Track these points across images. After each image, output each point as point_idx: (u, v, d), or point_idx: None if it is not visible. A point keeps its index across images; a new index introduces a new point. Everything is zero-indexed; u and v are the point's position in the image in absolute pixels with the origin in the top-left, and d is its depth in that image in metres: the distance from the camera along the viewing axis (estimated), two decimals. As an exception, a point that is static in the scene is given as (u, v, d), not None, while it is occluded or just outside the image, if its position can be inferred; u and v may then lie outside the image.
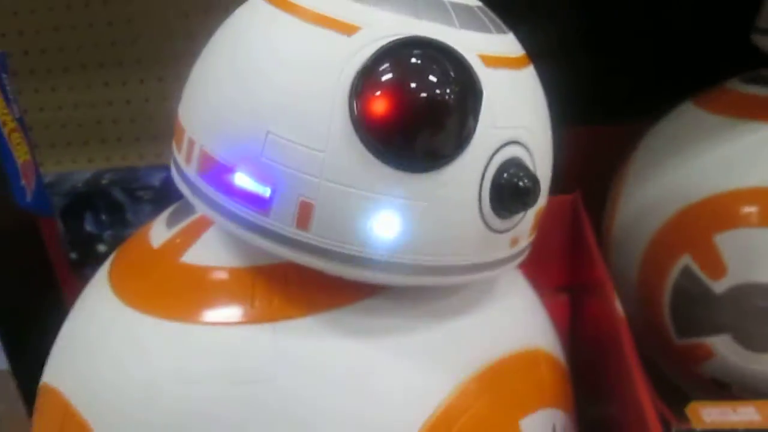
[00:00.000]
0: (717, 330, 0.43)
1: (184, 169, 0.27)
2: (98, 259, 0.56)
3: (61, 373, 0.29)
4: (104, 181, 0.56)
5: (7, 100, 0.42)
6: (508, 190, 0.24)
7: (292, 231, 0.24)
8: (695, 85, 0.51)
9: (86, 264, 0.56)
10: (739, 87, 0.48)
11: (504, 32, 0.27)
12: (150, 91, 0.73)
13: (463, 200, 0.24)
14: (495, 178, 0.24)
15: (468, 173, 0.24)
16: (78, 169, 0.75)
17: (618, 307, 0.36)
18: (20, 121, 0.44)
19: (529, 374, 0.30)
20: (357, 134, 0.23)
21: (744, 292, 0.42)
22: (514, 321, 0.31)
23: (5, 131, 0.42)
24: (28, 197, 0.43)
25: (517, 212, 0.25)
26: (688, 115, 0.50)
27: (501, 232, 0.26)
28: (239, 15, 0.28)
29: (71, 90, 0.74)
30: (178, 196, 0.29)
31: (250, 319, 0.26)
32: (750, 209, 0.42)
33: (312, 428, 0.24)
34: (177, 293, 0.28)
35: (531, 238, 0.29)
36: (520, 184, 0.24)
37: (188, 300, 0.27)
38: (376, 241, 0.24)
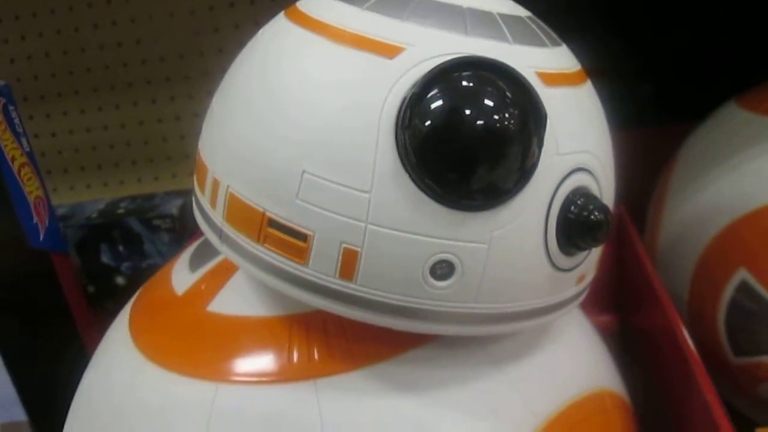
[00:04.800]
0: (780, 348, 0.41)
1: (209, 212, 0.24)
2: (117, 292, 0.55)
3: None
4: (120, 211, 0.54)
5: (15, 134, 0.40)
6: (578, 225, 0.21)
7: (334, 281, 0.21)
8: (730, 85, 0.49)
9: (105, 297, 0.54)
10: (789, 86, 0.46)
11: (559, 44, 0.24)
12: (162, 112, 0.72)
13: (527, 239, 0.21)
14: (562, 213, 0.21)
15: (532, 209, 0.21)
16: (92, 193, 0.75)
17: (683, 330, 0.33)
18: (30, 155, 0.42)
19: (597, 421, 0.27)
20: (406, 171, 0.20)
21: (810, 307, 0.39)
22: (576, 361, 0.28)
23: (15, 167, 0.40)
24: (41, 235, 0.41)
25: (587, 249, 0.22)
26: (734, 117, 0.47)
27: (568, 270, 0.23)
28: (262, 39, 0.25)
29: (83, 113, 0.73)
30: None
31: (289, 377, 0.23)
32: (813, 218, 0.39)
33: None
34: (205, 347, 0.25)
35: (596, 271, 0.26)
36: (591, 217, 0.21)
37: (218, 355, 0.25)
38: (431, 290, 0.21)
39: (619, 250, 0.46)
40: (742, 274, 0.41)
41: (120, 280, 0.54)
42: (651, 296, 0.38)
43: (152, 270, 0.33)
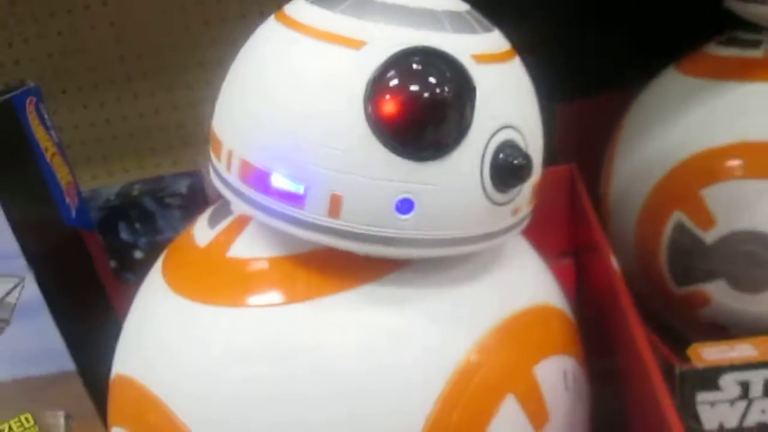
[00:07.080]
0: (711, 277, 0.46)
1: (225, 175, 0.30)
2: (136, 265, 0.60)
3: (132, 363, 0.33)
4: (134, 192, 0.59)
5: (47, 128, 0.46)
6: (505, 169, 0.28)
7: (325, 220, 0.28)
8: (679, 51, 0.53)
9: (125, 270, 0.59)
10: (716, 50, 0.50)
11: (490, 30, 0.31)
12: (178, 100, 0.75)
13: (467, 181, 0.28)
14: (493, 159, 0.28)
15: (469, 157, 0.28)
16: (114, 180, 0.76)
17: (614, 263, 0.39)
18: (59, 146, 0.48)
19: (541, 326, 0.32)
20: (373, 133, 0.27)
21: (732, 240, 0.44)
22: (523, 280, 0.34)
23: (48, 156, 0.46)
24: (73, 214, 0.47)
25: (514, 186, 0.29)
26: (671, 80, 0.52)
27: (502, 204, 0.29)
28: (258, 38, 0.31)
29: (102, 106, 0.76)
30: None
31: (292, 300, 0.29)
32: (730, 163, 0.45)
33: (349, 386, 0.28)
34: (226, 284, 0.31)
35: (531, 207, 0.32)
36: (515, 162, 0.28)
37: (237, 289, 0.30)
38: (396, 222, 0.27)
39: (572, 202, 0.51)
40: (677, 216, 0.46)
41: (138, 255, 0.59)
42: (591, 236, 0.43)
43: (167, 244, 0.38)
